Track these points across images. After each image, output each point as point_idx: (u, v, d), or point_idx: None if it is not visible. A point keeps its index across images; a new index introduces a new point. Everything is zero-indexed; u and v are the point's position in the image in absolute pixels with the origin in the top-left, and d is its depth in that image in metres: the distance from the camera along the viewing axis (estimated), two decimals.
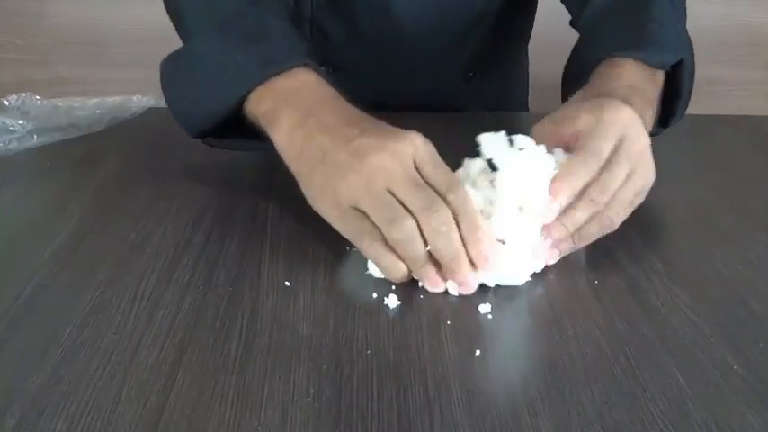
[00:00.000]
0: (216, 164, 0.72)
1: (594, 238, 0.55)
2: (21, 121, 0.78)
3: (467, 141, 0.55)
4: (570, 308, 0.51)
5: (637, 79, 0.62)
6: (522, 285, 0.53)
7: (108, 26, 1.65)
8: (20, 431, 0.38)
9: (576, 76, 0.68)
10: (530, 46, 1.05)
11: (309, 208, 0.56)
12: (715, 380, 0.44)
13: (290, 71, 0.59)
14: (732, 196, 0.69)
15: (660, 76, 0.65)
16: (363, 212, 0.51)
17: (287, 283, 0.53)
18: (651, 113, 0.62)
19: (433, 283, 0.51)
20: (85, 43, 1.67)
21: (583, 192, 0.53)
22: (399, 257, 0.51)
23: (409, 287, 0.52)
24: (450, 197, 0.50)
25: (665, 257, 0.57)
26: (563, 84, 0.76)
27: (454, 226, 0.50)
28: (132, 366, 0.44)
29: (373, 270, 0.53)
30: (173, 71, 0.64)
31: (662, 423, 0.40)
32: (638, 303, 0.51)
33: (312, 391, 0.42)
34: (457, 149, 0.56)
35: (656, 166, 0.57)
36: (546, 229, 0.53)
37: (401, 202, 0.50)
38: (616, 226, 0.55)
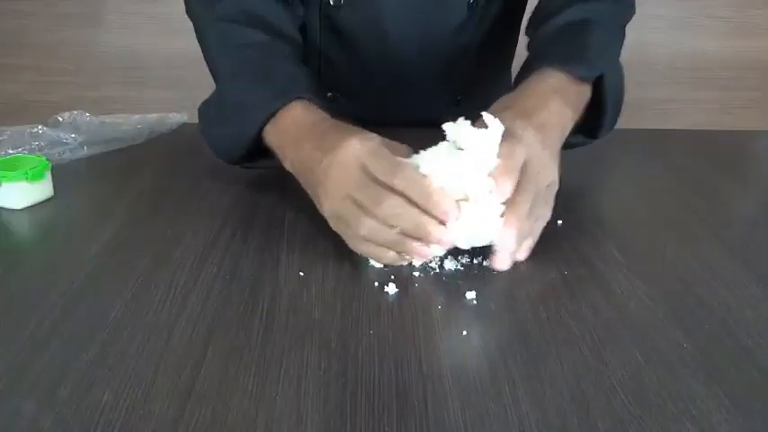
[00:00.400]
0: (240, 172, 0.71)
1: (534, 235, 0.55)
2: (73, 135, 0.78)
3: None
4: (543, 295, 0.51)
5: (559, 84, 0.62)
6: (503, 276, 0.53)
7: (148, 53, 1.65)
8: (72, 401, 0.38)
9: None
10: (513, 65, 1.04)
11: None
12: (668, 356, 0.44)
13: (287, 107, 0.61)
14: (682, 198, 0.69)
15: (585, 88, 0.65)
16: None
17: (301, 274, 0.53)
18: (571, 113, 0.61)
19: (418, 253, 0.51)
20: (129, 68, 1.67)
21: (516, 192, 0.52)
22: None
23: (405, 278, 0.52)
24: (396, 182, 0.50)
25: (625, 251, 0.57)
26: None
27: (406, 205, 0.50)
28: (168, 345, 0.44)
29: (374, 262, 0.53)
30: (206, 114, 0.68)
31: (622, 393, 0.40)
32: (601, 291, 0.51)
33: (322, 366, 0.42)
34: None
35: (618, 173, 0.57)
36: (503, 227, 0.52)
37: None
38: (545, 220, 0.55)
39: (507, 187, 0.51)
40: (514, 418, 0.38)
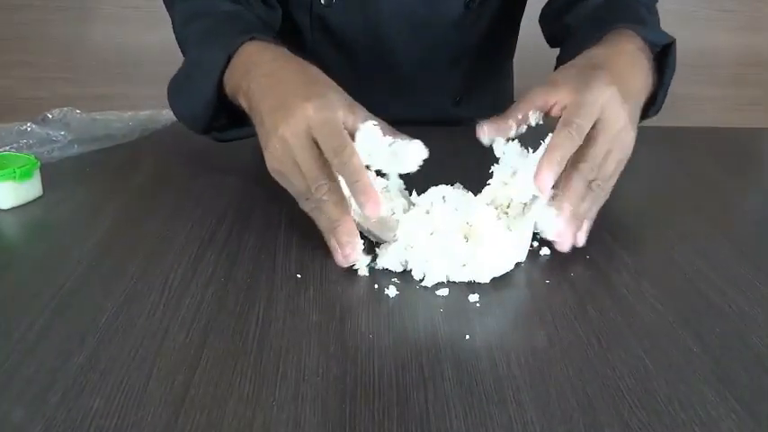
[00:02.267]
0: (236, 170, 0.71)
1: (592, 215, 0.54)
2: (62, 132, 0.77)
3: (459, 152, 0.55)
4: (549, 297, 0.51)
5: (640, 44, 0.60)
6: (506, 277, 0.53)
7: (140, 48, 1.65)
8: (62, 406, 0.38)
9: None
10: (516, 59, 1.04)
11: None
12: (677, 361, 0.44)
13: (241, 47, 0.61)
14: (690, 198, 0.69)
15: (650, 57, 0.63)
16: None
17: (298, 276, 0.52)
18: (651, 75, 0.60)
19: (333, 252, 0.52)
20: (120, 63, 1.67)
21: (571, 167, 0.52)
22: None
23: (406, 279, 0.52)
24: (335, 161, 0.51)
25: (633, 253, 0.57)
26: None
27: (333, 195, 0.51)
28: (162, 349, 0.43)
29: (379, 262, 0.53)
30: (172, 83, 0.68)
31: (629, 399, 0.40)
32: (608, 294, 0.51)
33: (321, 370, 0.42)
34: (450, 160, 0.56)
35: (624, 172, 0.57)
36: (558, 209, 0.52)
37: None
38: (603, 200, 0.55)
39: (546, 181, 0.50)
40: (519, 424, 0.38)
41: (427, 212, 0.54)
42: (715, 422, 0.38)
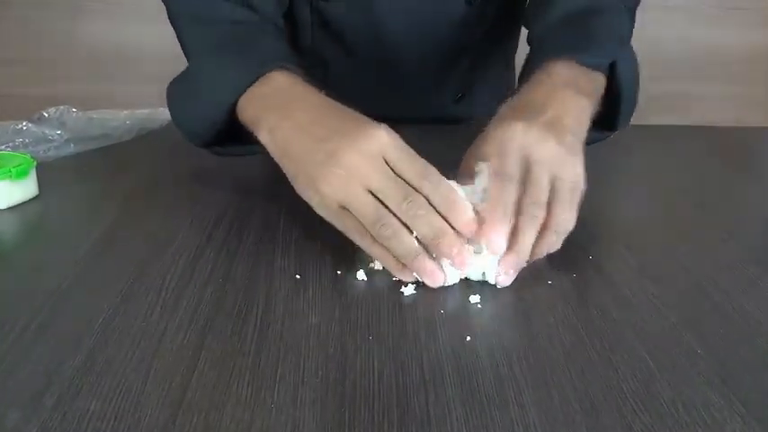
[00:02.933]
0: (235, 169, 0.71)
1: (553, 248, 0.53)
2: (59, 132, 0.78)
3: (459, 152, 0.55)
4: (550, 298, 0.51)
5: (569, 76, 0.59)
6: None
7: (138, 45, 1.65)
8: (57, 410, 0.38)
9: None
10: (519, 57, 1.04)
11: None
12: (681, 363, 0.44)
13: (268, 76, 0.58)
14: (696, 197, 0.69)
15: (598, 76, 0.62)
16: (349, 211, 0.50)
17: (297, 276, 0.52)
18: (587, 103, 0.58)
19: (429, 275, 0.50)
20: (118, 61, 1.67)
21: (518, 213, 0.51)
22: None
23: (408, 282, 0.52)
24: (423, 183, 0.49)
25: (635, 254, 0.57)
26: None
27: (431, 208, 0.49)
28: (159, 351, 0.43)
29: (376, 264, 0.53)
30: (175, 91, 0.65)
31: (633, 401, 0.40)
32: (611, 294, 0.51)
33: (320, 373, 0.42)
34: (450, 159, 0.56)
35: (628, 171, 0.57)
36: (502, 263, 0.51)
37: (380, 200, 0.49)
38: (566, 230, 0.52)
39: (497, 242, 0.49)
40: (520, 427, 0.38)
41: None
42: (719, 425, 0.38)
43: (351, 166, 0.49)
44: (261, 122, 0.57)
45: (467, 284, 0.52)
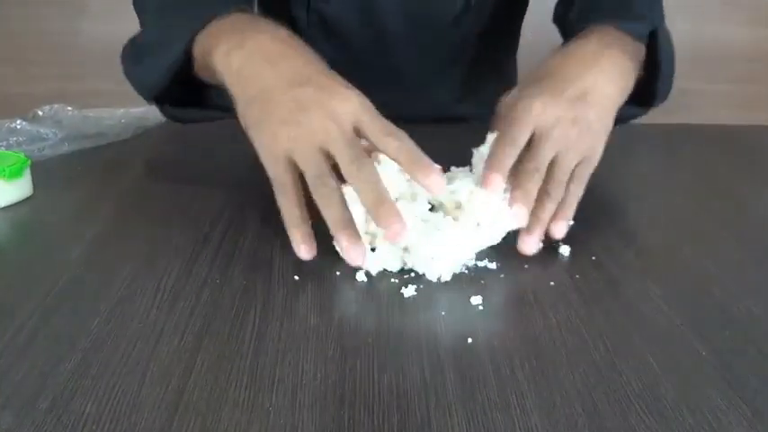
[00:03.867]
0: (231, 168, 0.72)
1: (559, 215, 0.55)
2: (53, 130, 0.78)
3: (459, 150, 0.55)
4: (553, 300, 0.51)
5: (612, 39, 0.60)
6: (509, 278, 0.53)
7: None
8: (52, 413, 0.38)
9: None
10: (520, 48, 1.04)
11: (315, 209, 0.56)
12: (685, 365, 0.44)
13: (229, 15, 0.57)
14: (700, 197, 0.69)
15: (639, 46, 0.62)
16: (295, 163, 0.50)
17: (296, 278, 0.52)
18: (632, 66, 0.59)
19: (346, 251, 0.50)
20: (113, 58, 1.67)
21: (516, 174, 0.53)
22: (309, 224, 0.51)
23: (408, 282, 0.52)
24: (388, 139, 0.50)
25: (640, 254, 0.57)
26: None
27: (379, 176, 0.49)
28: (155, 353, 0.43)
29: (371, 266, 0.53)
30: (130, 46, 0.64)
31: (637, 404, 0.40)
32: (615, 296, 0.51)
33: (319, 376, 0.42)
34: (451, 159, 0.56)
35: (632, 171, 0.57)
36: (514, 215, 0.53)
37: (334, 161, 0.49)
38: (573, 203, 0.55)
39: (494, 181, 0.51)
40: (522, 431, 0.38)
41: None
42: (725, 428, 0.38)
43: (317, 125, 0.49)
44: (219, 44, 0.55)
45: (468, 285, 0.52)
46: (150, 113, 0.84)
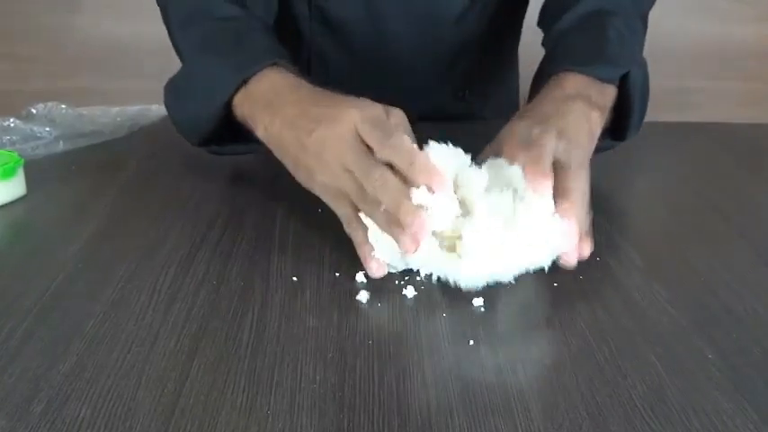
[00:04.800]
0: (229, 168, 0.71)
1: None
2: (47, 128, 0.77)
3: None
4: (557, 301, 0.51)
5: (579, 87, 0.62)
6: (512, 283, 0.53)
7: (129, 40, 1.64)
8: (46, 416, 0.38)
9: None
10: (520, 48, 1.04)
11: (314, 209, 0.56)
12: (691, 368, 0.44)
13: (260, 74, 0.61)
14: (706, 197, 0.69)
15: (609, 89, 0.64)
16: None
17: (294, 279, 0.52)
18: (597, 115, 0.60)
19: (402, 242, 0.49)
20: (108, 56, 1.67)
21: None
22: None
23: (408, 283, 0.52)
24: (385, 149, 0.51)
25: (645, 255, 0.57)
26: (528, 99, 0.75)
27: (392, 177, 0.50)
28: (151, 356, 0.43)
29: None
30: (171, 91, 0.67)
31: (642, 408, 0.40)
32: (619, 297, 0.51)
33: (318, 379, 0.42)
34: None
35: (636, 170, 0.57)
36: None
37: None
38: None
39: (542, 185, 0.51)
40: None
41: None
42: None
43: (331, 151, 0.53)
44: (256, 121, 0.60)
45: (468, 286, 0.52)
46: (145, 112, 0.84)
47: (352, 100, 0.56)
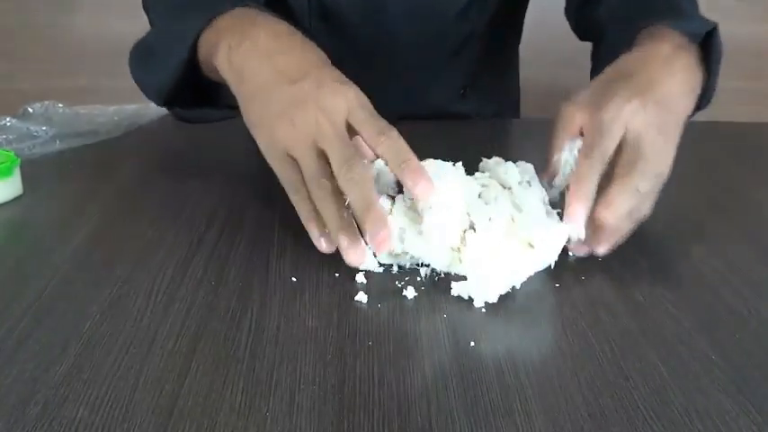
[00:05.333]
0: (227, 167, 0.71)
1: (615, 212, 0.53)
2: (44, 127, 0.78)
3: (459, 148, 0.55)
4: (558, 302, 0.51)
5: (680, 45, 0.59)
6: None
7: (127, 38, 1.64)
8: (43, 418, 0.38)
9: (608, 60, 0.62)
10: (520, 48, 1.04)
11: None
12: (694, 369, 0.44)
13: (231, 11, 0.58)
14: (709, 197, 0.69)
15: (695, 48, 0.61)
16: (296, 161, 0.51)
17: (293, 279, 0.52)
18: (698, 71, 0.58)
19: (346, 250, 0.50)
20: (105, 54, 1.67)
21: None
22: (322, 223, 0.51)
23: (408, 284, 0.52)
24: (380, 139, 0.49)
25: (648, 256, 0.57)
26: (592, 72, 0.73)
27: (369, 178, 0.49)
28: (149, 357, 0.43)
29: (368, 266, 0.53)
30: (137, 50, 0.65)
31: (644, 410, 0.40)
32: (622, 298, 0.51)
33: (317, 380, 0.42)
34: (452, 157, 0.56)
35: None
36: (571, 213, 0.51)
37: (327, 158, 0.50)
38: (646, 211, 0.54)
39: (578, 216, 0.50)
40: None
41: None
42: None
43: (311, 120, 0.50)
44: (220, 44, 0.55)
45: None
46: (142, 111, 0.84)
47: (338, 75, 0.53)
